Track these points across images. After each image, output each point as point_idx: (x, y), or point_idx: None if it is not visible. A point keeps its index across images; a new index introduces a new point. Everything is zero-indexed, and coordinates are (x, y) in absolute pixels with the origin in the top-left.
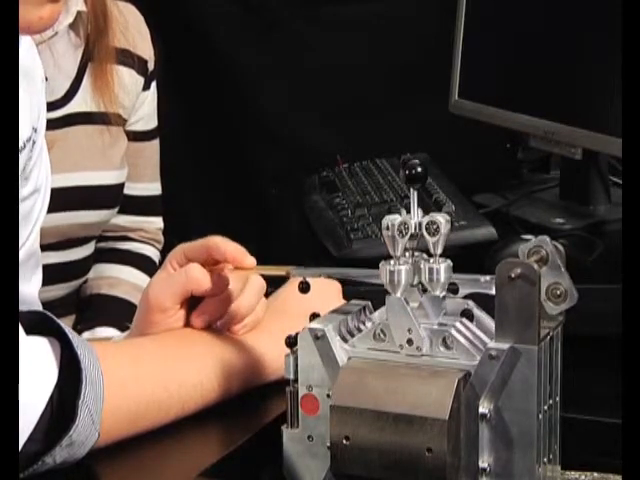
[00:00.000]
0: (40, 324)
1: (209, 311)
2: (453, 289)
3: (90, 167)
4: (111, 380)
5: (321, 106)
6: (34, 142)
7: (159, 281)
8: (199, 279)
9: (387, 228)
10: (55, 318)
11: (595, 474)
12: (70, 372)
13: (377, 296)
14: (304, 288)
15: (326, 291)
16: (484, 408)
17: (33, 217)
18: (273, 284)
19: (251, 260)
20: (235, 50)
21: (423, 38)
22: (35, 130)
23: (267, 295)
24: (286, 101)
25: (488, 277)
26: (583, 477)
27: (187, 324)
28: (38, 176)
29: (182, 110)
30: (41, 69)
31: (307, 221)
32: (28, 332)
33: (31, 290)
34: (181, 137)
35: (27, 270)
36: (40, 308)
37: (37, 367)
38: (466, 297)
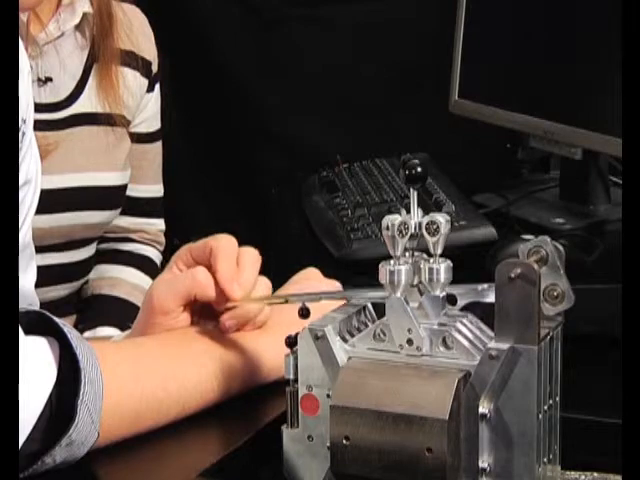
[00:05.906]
0: (39, 324)
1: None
2: (451, 300)
3: (94, 168)
4: (110, 379)
5: (321, 106)
6: (24, 133)
7: (164, 282)
8: (204, 284)
9: (387, 228)
10: (54, 317)
11: (595, 474)
12: (69, 372)
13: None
14: (304, 314)
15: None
16: (484, 408)
17: (25, 208)
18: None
19: (237, 293)
20: (235, 50)
21: (423, 38)
22: (24, 121)
23: None
24: (286, 101)
25: (485, 285)
26: (583, 477)
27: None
28: (29, 167)
29: (182, 110)
30: (27, 61)
31: (307, 221)
32: (27, 332)
33: (28, 283)
34: (181, 137)
35: (22, 261)
36: (37, 302)
37: (36, 367)
38: (464, 308)
